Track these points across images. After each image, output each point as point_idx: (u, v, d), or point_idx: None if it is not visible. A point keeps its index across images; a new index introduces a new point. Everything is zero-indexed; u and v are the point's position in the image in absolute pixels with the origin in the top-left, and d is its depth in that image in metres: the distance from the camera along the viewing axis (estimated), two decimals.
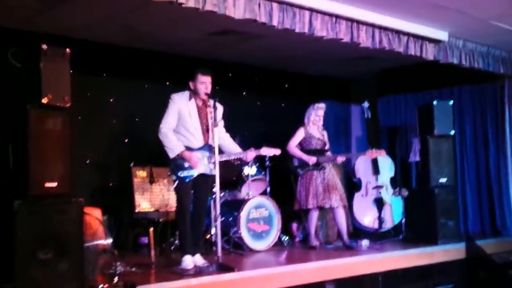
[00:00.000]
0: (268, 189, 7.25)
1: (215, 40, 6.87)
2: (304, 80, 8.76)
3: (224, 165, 5.45)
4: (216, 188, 5.20)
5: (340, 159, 6.74)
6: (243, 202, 6.69)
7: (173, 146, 5.23)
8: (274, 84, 8.52)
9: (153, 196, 6.68)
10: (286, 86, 8.73)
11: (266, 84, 8.43)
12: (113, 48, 6.87)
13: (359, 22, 6.06)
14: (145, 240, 6.44)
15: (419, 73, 8.47)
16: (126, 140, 7.03)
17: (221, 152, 5.38)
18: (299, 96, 8.56)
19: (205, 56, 7.36)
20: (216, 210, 5.22)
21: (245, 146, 5.70)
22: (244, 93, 8.25)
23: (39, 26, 6.07)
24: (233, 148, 5.55)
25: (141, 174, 6.68)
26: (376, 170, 8.01)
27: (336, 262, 5.91)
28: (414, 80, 8.70)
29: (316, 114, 6.76)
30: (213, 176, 5.23)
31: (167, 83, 7.34)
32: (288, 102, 8.67)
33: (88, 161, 6.71)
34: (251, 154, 5.41)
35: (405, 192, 7.42)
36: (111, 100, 6.99)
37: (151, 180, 6.68)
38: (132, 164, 6.69)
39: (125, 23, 6.15)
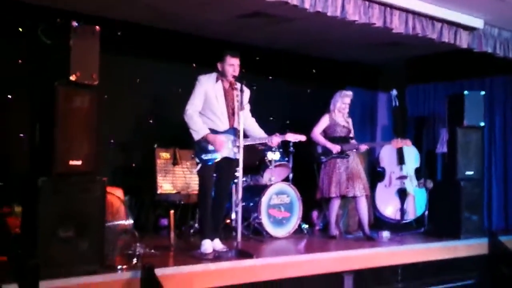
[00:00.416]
0: (291, 176, 7.22)
1: (244, 23, 6.80)
2: (331, 66, 8.66)
3: (247, 149, 5.42)
4: (239, 173, 5.19)
5: (364, 147, 6.71)
6: (265, 187, 6.68)
7: (198, 128, 5.20)
8: (301, 69, 8.45)
9: (175, 178, 6.67)
10: (314, 71, 8.65)
11: (293, 68, 8.34)
12: (141, 28, 6.86)
13: (392, 7, 5.97)
14: (165, 222, 6.45)
15: (449, 61, 8.30)
16: (151, 121, 7.02)
17: (246, 136, 5.37)
18: (325, 81, 8.49)
19: (232, 39, 7.31)
20: (238, 195, 5.22)
21: (270, 131, 5.69)
22: (270, 77, 8.17)
23: (65, 4, 6.07)
24: (258, 133, 5.52)
25: (164, 155, 6.68)
26: (401, 160, 7.86)
27: (355, 253, 5.88)
28: (444, 69, 8.52)
29: (343, 102, 6.70)
30: (237, 160, 5.22)
31: (194, 65, 7.32)
32: (315, 87, 8.59)
33: (112, 141, 6.73)
34: (276, 139, 5.37)
35: (430, 184, 7.33)
36: (137, 80, 6.98)
37: (175, 162, 6.67)
38: (156, 146, 6.67)
39: (152, 3, 6.14)
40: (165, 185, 6.59)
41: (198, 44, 7.32)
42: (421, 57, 8.55)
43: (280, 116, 7.84)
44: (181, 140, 6.18)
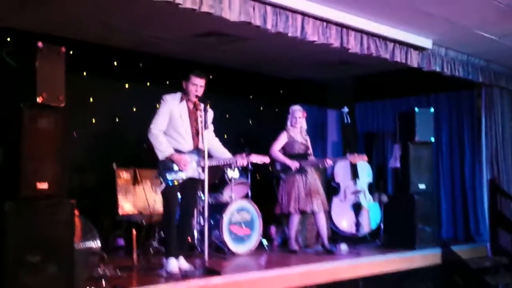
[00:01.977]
0: (249, 192, 7.24)
1: (198, 41, 6.81)
2: (282, 84, 8.75)
3: (209, 168, 5.36)
4: (205, 193, 5.19)
5: (329, 162, 6.74)
6: (225, 205, 6.65)
7: (164, 148, 5.13)
8: (254, 87, 8.54)
9: (137, 198, 6.60)
10: (263, 89, 8.71)
11: (246, 87, 8.39)
12: (93, 47, 6.76)
13: (348, 28, 6.10)
14: (121, 242, 6.41)
15: (396, 79, 8.52)
16: (107, 141, 6.88)
17: (210, 156, 5.36)
18: (278, 99, 8.59)
19: (186, 57, 7.33)
20: (204, 215, 5.21)
21: (227, 149, 5.66)
22: (224, 95, 8.10)
23: (14, 23, 5.96)
24: (222, 152, 5.49)
25: (124, 175, 6.60)
26: (355, 175, 8.02)
27: (318, 267, 5.92)
28: (391, 86, 8.76)
29: (293, 116, 6.73)
30: (201, 180, 5.21)
31: (148, 83, 7.25)
32: (268, 105, 8.63)
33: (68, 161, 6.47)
34: (241, 161, 5.38)
35: (384, 198, 7.47)
36: (91, 99, 6.87)
37: (135, 181, 6.62)
38: (115, 165, 6.57)
39: (104, 21, 6.07)
40: (126, 206, 6.54)
41: (151, 62, 7.29)
42: (369, 75, 8.78)
43: (234, 134, 7.80)
44: (141, 159, 6.21)
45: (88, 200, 6.38)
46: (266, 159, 5.57)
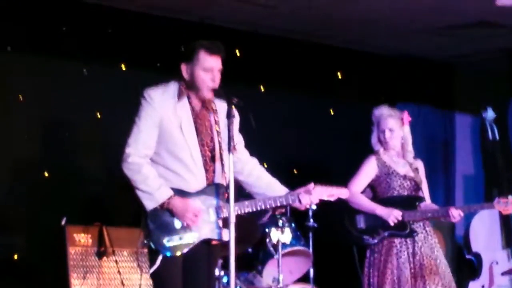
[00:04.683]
0: (312, 272, 5.41)
1: None
2: (368, 63, 6.74)
3: (240, 222, 3.91)
4: (230, 271, 3.75)
5: (459, 213, 4.87)
6: None
7: (152, 188, 3.89)
8: (315, 71, 6.54)
9: (104, 283, 5.10)
10: (339, 75, 6.70)
11: (300, 71, 6.43)
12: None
13: None
14: None
15: None
16: (46, 174, 5.28)
17: (245, 195, 4.18)
18: (362, 94, 6.65)
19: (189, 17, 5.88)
20: None
21: None
22: (261, 87, 6.33)
23: None
24: (270, 185, 4.10)
25: (82, 239, 5.05)
26: (510, 238, 6.18)
27: None
28: None
29: (380, 128, 5.06)
30: (223, 246, 4.01)
31: (122, 65, 5.58)
32: (342, 105, 6.68)
33: None
34: (306, 198, 3.95)
35: None
36: (20, 96, 5.29)
37: (101, 251, 5.06)
38: (64, 221, 4.98)
39: None
40: None
41: (130, 28, 5.65)
42: None
43: (278, 158, 5.94)
44: (112, 210, 5.14)
45: (17, 282, 4.98)
46: (344, 192, 4.12)
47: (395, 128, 4.99)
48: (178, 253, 3.79)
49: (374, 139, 5.09)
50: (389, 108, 5.15)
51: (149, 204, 3.78)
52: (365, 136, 5.29)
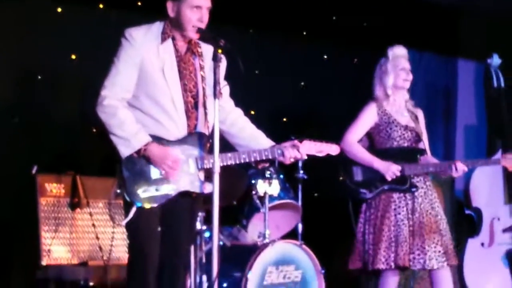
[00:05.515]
0: (300, 227, 5.10)
1: None
2: (366, 7, 6.43)
3: (225, 173, 3.70)
4: (213, 226, 3.57)
5: (462, 167, 4.58)
6: (252, 250, 4.73)
7: (129, 133, 3.69)
8: (309, 13, 6.25)
9: (77, 236, 4.88)
10: (334, 18, 6.45)
11: (293, 13, 6.09)
12: None
13: None
14: None
15: None
16: (16, 120, 5.03)
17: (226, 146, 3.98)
18: (357, 39, 6.35)
19: None
20: (213, 266, 3.62)
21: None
22: (250, 30, 6.03)
23: None
24: (252, 138, 3.94)
25: (54, 189, 4.80)
26: None
27: None
28: None
29: (396, 67, 4.72)
30: (204, 198, 3.86)
31: (100, 5, 5.29)
32: (335, 50, 6.37)
33: None
34: (292, 153, 3.80)
35: None
36: None
37: (75, 202, 4.84)
38: (34, 169, 4.76)
39: None
40: (57, 250, 4.76)
41: None
42: None
43: (264, 106, 5.73)
44: (85, 157, 4.93)
45: None
46: (333, 149, 3.98)
47: (405, 66, 4.73)
48: (154, 205, 3.64)
49: (379, 83, 4.75)
50: (400, 48, 4.81)
51: (125, 150, 3.60)
52: (362, 83, 5.01)
